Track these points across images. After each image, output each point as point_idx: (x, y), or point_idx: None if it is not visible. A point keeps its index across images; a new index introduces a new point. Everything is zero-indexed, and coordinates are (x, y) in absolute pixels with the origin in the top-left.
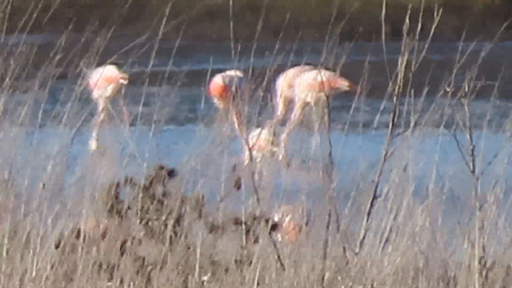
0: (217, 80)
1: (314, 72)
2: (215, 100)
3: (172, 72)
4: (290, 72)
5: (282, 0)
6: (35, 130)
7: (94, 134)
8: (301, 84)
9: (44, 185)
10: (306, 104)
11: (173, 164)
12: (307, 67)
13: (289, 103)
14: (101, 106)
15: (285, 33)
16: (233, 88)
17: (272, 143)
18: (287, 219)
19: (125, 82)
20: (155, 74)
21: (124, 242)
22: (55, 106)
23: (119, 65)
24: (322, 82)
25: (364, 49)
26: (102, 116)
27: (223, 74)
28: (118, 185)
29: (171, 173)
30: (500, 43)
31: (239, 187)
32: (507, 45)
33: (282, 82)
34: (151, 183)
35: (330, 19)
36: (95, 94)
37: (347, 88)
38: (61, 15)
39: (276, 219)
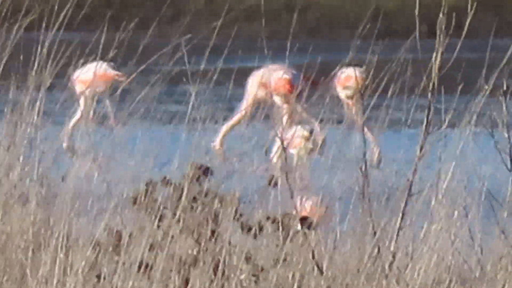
0: (286, 76)
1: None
2: (278, 97)
3: (206, 70)
4: (260, 72)
5: (318, 0)
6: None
7: (66, 132)
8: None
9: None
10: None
11: (209, 162)
12: (275, 66)
13: (258, 103)
14: (82, 104)
15: (321, 31)
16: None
17: (307, 140)
18: (307, 204)
19: (122, 80)
20: (193, 73)
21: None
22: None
23: (111, 62)
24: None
25: (400, 47)
26: (79, 114)
27: (284, 69)
28: (153, 184)
29: (207, 172)
30: None
31: (274, 185)
32: None
33: (253, 81)
34: (188, 182)
35: (365, 17)
36: (78, 90)
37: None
38: (98, 14)
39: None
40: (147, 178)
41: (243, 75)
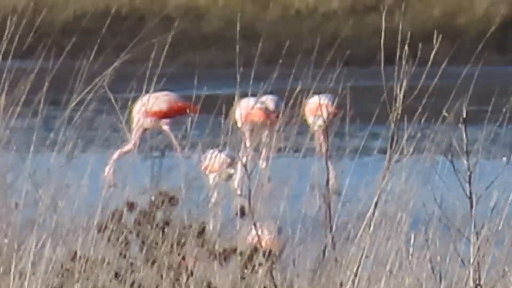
0: (269, 105)
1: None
2: (248, 125)
3: None
4: (144, 100)
5: (276, 28)
6: (28, 156)
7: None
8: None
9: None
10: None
11: (172, 190)
12: (160, 94)
13: (144, 131)
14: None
15: (278, 59)
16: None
17: (228, 165)
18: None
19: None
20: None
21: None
22: (49, 132)
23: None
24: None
25: (356, 74)
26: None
27: (271, 97)
28: (119, 211)
29: (172, 200)
30: (494, 67)
31: (242, 215)
32: (500, 70)
33: (138, 109)
34: (152, 209)
35: (323, 45)
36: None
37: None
38: (57, 41)
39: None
40: (114, 204)
41: (204, 102)
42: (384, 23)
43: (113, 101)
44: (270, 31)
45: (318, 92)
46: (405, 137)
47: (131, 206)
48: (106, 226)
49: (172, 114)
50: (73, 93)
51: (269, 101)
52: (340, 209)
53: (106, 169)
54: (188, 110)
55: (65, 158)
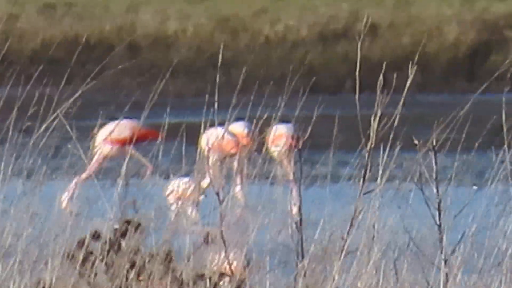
0: (241, 131)
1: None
2: (216, 154)
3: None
4: (108, 128)
5: (245, 56)
6: None
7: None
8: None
9: None
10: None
11: (144, 218)
12: (124, 121)
13: (105, 159)
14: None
15: (247, 87)
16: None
17: (193, 192)
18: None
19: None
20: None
21: None
22: (17, 159)
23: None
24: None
25: (325, 102)
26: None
27: (240, 123)
28: (85, 240)
29: (138, 228)
30: (462, 95)
31: (206, 242)
32: (469, 98)
33: (101, 137)
34: (118, 237)
35: (292, 73)
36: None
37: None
38: (25, 69)
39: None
40: (80, 233)
41: (173, 130)
42: (352, 51)
43: (68, 129)
44: (240, 59)
45: (286, 120)
46: (378, 165)
47: (97, 235)
48: (73, 255)
49: (135, 140)
50: (40, 120)
51: (239, 126)
52: (312, 237)
53: (63, 197)
54: (151, 137)
55: (32, 185)
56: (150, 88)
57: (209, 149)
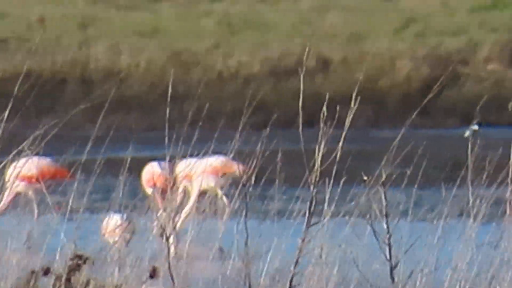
0: (156, 169)
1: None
2: (150, 189)
3: (87, 161)
4: (20, 164)
5: (197, 90)
6: None
7: None
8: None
9: None
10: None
11: (90, 252)
12: (35, 158)
13: (16, 195)
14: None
15: (199, 122)
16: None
17: (125, 228)
18: None
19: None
20: (71, 163)
21: None
22: None
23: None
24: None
25: (276, 137)
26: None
27: (156, 163)
28: (34, 274)
29: (87, 261)
30: (415, 130)
31: (152, 276)
32: (421, 133)
33: (11, 172)
34: (69, 272)
35: (243, 108)
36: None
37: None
38: None
39: None
40: (30, 267)
41: (118, 165)
42: (304, 86)
43: None
44: (192, 93)
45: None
46: (326, 199)
47: (46, 270)
48: None
49: (43, 179)
50: None
51: (155, 166)
52: (260, 271)
53: None
54: (60, 176)
55: None
56: (102, 123)
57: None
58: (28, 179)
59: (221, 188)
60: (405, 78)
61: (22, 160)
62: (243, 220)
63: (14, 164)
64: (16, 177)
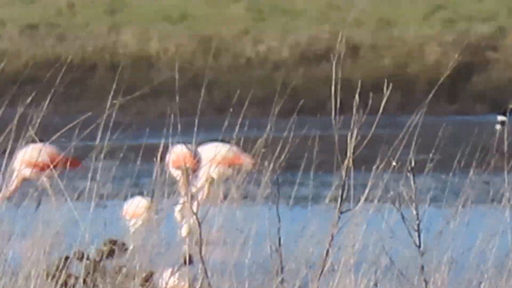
0: (184, 150)
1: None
2: (175, 171)
3: (115, 147)
4: (24, 150)
5: (226, 76)
6: None
7: None
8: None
9: None
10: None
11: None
12: (42, 145)
13: (23, 181)
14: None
15: (228, 108)
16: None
17: (149, 209)
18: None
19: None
20: (101, 149)
21: None
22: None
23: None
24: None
25: (307, 123)
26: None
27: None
28: (67, 259)
29: (122, 248)
30: (444, 117)
31: (187, 263)
32: (450, 119)
33: (20, 159)
34: (101, 257)
35: (272, 94)
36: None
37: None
38: (7, 90)
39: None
40: (61, 254)
41: (151, 151)
42: (335, 72)
43: None
44: (221, 80)
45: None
46: (360, 185)
47: (81, 256)
48: (53, 275)
49: (53, 166)
50: (20, 141)
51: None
52: (291, 257)
53: None
54: (71, 165)
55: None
56: (131, 108)
57: (170, 166)
58: (38, 167)
59: (226, 178)
60: (434, 64)
61: (31, 147)
62: (274, 206)
63: (23, 150)
64: (25, 163)
